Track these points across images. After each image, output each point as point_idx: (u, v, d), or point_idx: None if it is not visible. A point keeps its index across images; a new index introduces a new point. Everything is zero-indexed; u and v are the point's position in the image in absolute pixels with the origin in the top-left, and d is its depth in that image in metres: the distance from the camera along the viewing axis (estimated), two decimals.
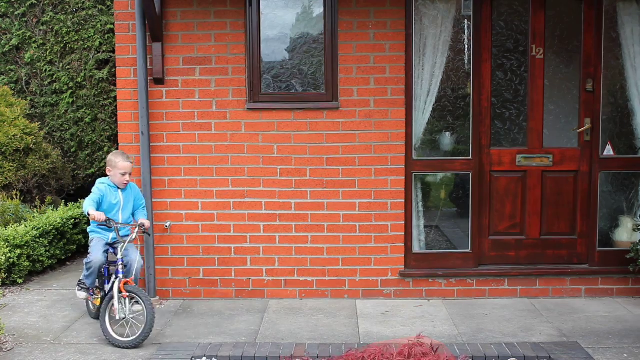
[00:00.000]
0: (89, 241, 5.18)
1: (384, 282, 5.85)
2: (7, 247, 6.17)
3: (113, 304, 4.86)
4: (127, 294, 4.86)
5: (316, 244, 5.82)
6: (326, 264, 5.84)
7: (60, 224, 6.87)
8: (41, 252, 6.55)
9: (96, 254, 5.02)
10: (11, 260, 6.15)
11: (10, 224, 6.70)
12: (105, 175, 5.21)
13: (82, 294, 5.21)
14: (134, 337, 4.78)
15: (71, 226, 7.08)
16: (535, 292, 5.86)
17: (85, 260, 5.07)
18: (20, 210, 7.08)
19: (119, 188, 5.16)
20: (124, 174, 5.09)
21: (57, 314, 5.53)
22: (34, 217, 6.97)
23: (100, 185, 5.12)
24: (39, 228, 6.56)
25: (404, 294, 5.86)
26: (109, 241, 5.13)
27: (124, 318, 4.86)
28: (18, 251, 6.21)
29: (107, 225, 4.99)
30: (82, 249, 7.60)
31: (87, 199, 5.02)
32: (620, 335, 4.94)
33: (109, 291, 5.00)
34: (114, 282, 4.93)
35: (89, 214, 4.90)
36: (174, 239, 5.86)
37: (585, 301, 5.78)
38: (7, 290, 6.12)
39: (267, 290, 5.87)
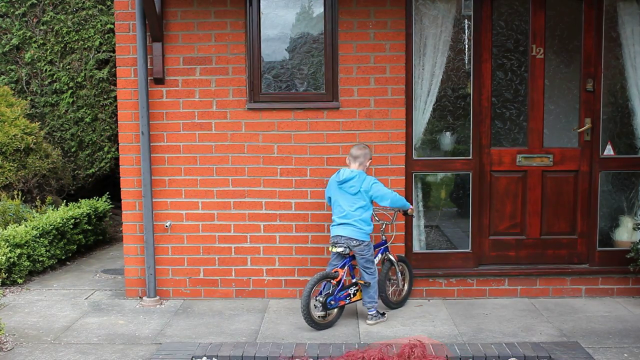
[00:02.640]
0: (368, 246, 5.19)
1: None
2: (8, 246, 6.17)
3: (395, 273, 5.57)
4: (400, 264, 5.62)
5: (316, 244, 5.82)
6: (326, 264, 5.82)
7: (60, 224, 6.87)
8: (41, 252, 6.55)
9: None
10: (11, 260, 6.15)
11: (11, 224, 6.70)
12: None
13: (384, 318, 5.28)
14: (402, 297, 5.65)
15: (71, 226, 7.08)
16: (536, 291, 5.86)
17: (373, 278, 5.20)
18: (21, 210, 7.09)
19: None
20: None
21: (58, 313, 5.53)
22: (34, 217, 6.98)
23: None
24: (39, 228, 6.56)
25: None
26: None
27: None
28: (18, 251, 6.21)
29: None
30: (82, 249, 7.61)
31: (394, 193, 5.20)
32: (620, 335, 4.94)
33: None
34: (388, 258, 5.50)
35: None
36: (174, 239, 5.86)
37: (586, 301, 5.78)
38: (8, 290, 6.12)
39: (267, 290, 5.87)
